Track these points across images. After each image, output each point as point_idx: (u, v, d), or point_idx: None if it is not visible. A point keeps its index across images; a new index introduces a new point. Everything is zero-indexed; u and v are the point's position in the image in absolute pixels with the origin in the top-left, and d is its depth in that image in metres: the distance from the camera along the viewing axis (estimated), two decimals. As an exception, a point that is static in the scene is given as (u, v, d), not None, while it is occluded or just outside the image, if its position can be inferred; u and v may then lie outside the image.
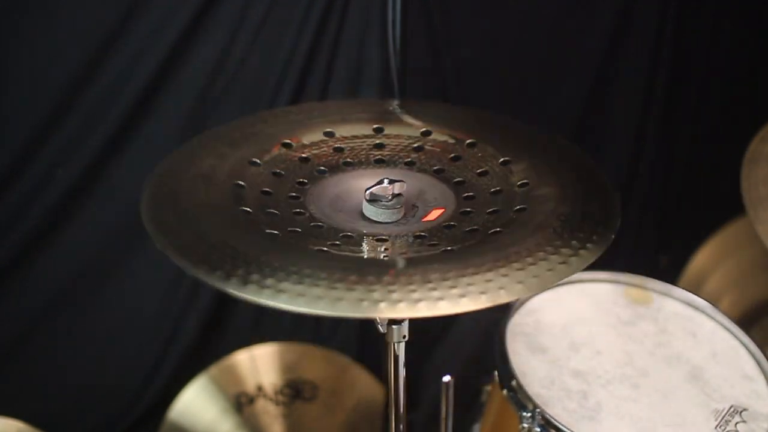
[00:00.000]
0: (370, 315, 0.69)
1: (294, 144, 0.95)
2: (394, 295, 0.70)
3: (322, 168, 0.94)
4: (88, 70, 1.48)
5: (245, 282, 0.70)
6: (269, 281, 0.70)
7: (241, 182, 0.86)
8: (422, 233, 0.85)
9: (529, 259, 0.76)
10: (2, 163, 1.50)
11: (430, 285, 0.72)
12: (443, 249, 0.81)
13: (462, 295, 0.71)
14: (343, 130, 0.99)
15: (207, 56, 1.54)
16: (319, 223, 0.84)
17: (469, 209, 0.90)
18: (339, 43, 1.61)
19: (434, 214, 0.89)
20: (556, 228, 0.81)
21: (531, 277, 0.74)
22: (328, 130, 0.99)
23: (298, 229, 0.82)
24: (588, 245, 0.80)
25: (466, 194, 0.92)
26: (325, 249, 0.79)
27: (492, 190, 0.92)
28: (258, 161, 0.91)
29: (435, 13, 1.65)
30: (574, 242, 0.79)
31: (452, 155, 0.98)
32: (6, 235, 1.54)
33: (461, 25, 1.70)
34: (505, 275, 0.74)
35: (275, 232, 0.80)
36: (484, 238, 0.83)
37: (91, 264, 1.64)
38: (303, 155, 0.94)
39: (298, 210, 0.86)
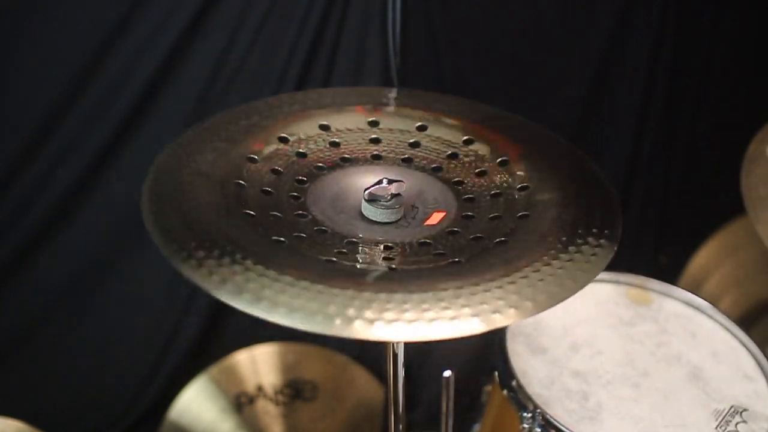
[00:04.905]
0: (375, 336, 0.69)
1: (290, 138, 0.94)
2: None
3: (320, 165, 0.93)
4: (89, 70, 1.48)
5: (259, 298, 0.69)
6: (281, 298, 0.69)
7: (241, 181, 0.86)
8: (427, 240, 0.84)
9: (538, 275, 0.75)
10: (2, 163, 1.50)
11: (443, 303, 0.70)
12: (450, 260, 0.80)
13: (475, 315, 0.70)
14: (337, 122, 0.98)
15: (207, 55, 1.54)
16: (323, 228, 0.84)
17: (470, 213, 0.89)
18: (339, 43, 1.61)
19: (436, 218, 0.88)
20: (562, 239, 0.80)
21: (542, 294, 0.73)
22: (323, 123, 0.98)
23: (303, 235, 0.81)
24: (593, 257, 0.79)
25: (466, 196, 0.92)
26: (334, 260, 0.77)
27: (492, 192, 0.92)
28: (256, 157, 0.90)
29: (435, 13, 1.65)
30: (579, 255, 0.78)
31: (449, 152, 0.97)
32: (6, 235, 1.54)
33: (461, 25, 1.70)
34: (515, 293, 0.72)
35: (282, 239, 0.79)
36: (490, 248, 0.81)
37: (91, 264, 1.64)
38: (300, 150, 0.94)
39: (300, 212, 0.86)
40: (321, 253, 0.78)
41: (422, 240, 0.84)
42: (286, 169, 0.91)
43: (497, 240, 0.82)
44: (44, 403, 1.65)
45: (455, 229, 0.86)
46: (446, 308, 0.70)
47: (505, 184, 0.92)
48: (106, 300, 1.67)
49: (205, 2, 1.49)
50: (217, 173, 0.85)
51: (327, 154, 0.95)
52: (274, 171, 0.90)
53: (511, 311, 0.71)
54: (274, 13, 1.54)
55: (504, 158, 0.95)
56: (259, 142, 0.93)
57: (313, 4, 1.54)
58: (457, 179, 0.94)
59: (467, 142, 0.98)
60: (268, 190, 0.87)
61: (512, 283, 0.73)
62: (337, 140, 0.97)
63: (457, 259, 0.80)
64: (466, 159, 0.96)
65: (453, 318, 0.69)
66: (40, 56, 1.46)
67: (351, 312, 0.69)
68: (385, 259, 0.80)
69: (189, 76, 1.55)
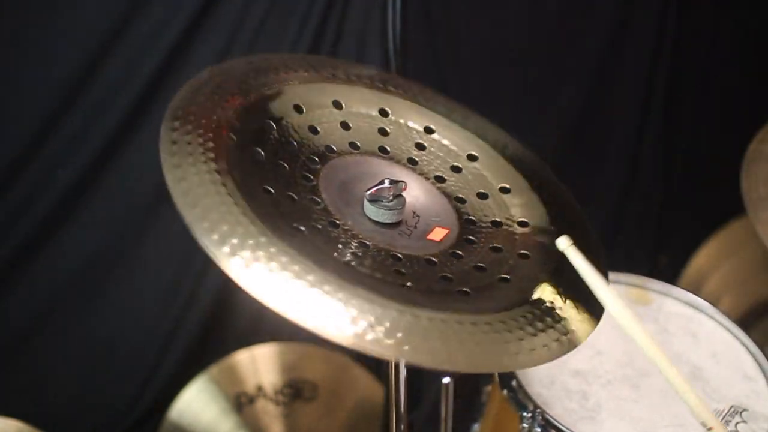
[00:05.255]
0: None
1: (304, 108, 0.93)
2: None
3: (331, 146, 0.93)
4: (89, 70, 1.48)
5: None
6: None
7: (260, 149, 0.85)
8: (432, 258, 0.85)
9: (531, 330, 0.78)
10: (2, 163, 1.50)
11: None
12: (458, 289, 0.81)
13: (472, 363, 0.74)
14: (350, 101, 0.97)
15: (207, 55, 1.54)
16: (335, 220, 0.84)
17: (471, 237, 0.89)
18: (339, 43, 1.61)
19: (439, 234, 0.88)
20: (560, 293, 0.83)
21: (533, 350, 0.77)
22: (336, 99, 0.97)
23: (318, 226, 0.81)
24: (586, 314, 0.83)
25: (467, 217, 0.92)
26: (354, 264, 0.78)
27: (492, 219, 0.92)
28: (273, 125, 0.89)
29: (435, 13, 1.65)
30: (573, 311, 0.82)
31: (452, 164, 0.98)
32: (6, 235, 1.54)
33: (461, 25, 1.70)
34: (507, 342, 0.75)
35: (302, 228, 0.79)
36: (494, 284, 0.83)
37: (91, 264, 1.64)
38: (312, 125, 0.93)
39: (313, 197, 0.85)
40: (338, 254, 0.79)
41: (428, 257, 0.84)
42: (299, 144, 0.90)
43: (499, 277, 0.84)
44: (44, 403, 1.65)
45: (458, 252, 0.87)
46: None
47: (505, 215, 0.93)
48: (106, 300, 1.67)
49: (205, 2, 1.49)
50: (241, 130, 0.85)
51: (337, 135, 0.94)
52: (289, 143, 0.89)
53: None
54: (274, 13, 1.54)
55: (506, 186, 0.96)
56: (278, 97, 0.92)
57: (313, 4, 1.55)
58: (459, 196, 0.94)
59: (471, 158, 0.98)
60: (283, 165, 0.86)
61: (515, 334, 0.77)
62: (348, 122, 0.96)
63: (464, 289, 0.81)
64: (469, 176, 0.97)
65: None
66: (40, 56, 1.46)
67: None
68: (396, 272, 0.80)
69: (189, 76, 1.55)
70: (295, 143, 0.90)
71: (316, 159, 0.90)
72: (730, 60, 2.02)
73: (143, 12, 1.46)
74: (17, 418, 1.42)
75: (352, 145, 0.94)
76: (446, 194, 0.94)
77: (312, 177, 0.87)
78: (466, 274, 0.84)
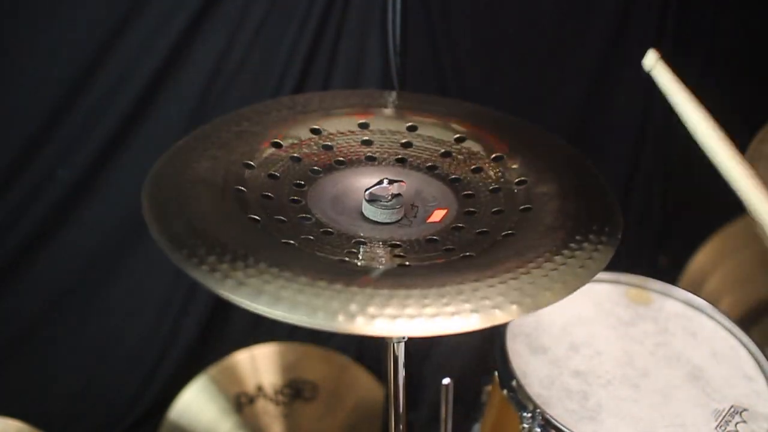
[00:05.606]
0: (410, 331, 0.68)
1: (283, 143, 0.95)
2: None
3: (316, 168, 0.94)
4: (89, 70, 1.48)
5: (277, 299, 0.69)
6: (302, 297, 0.69)
7: (241, 187, 0.86)
8: (434, 237, 0.85)
9: (550, 264, 0.76)
10: (2, 163, 1.50)
11: (461, 296, 0.71)
12: (462, 255, 0.80)
13: (495, 306, 0.70)
14: (328, 126, 0.98)
15: (207, 56, 1.54)
16: (329, 229, 0.84)
17: (472, 209, 0.90)
18: (339, 43, 1.61)
19: (438, 215, 0.88)
20: (568, 229, 0.81)
21: (556, 283, 0.74)
22: (315, 126, 0.98)
23: (311, 237, 0.82)
24: (600, 246, 0.80)
25: (465, 192, 0.92)
26: (347, 259, 0.78)
27: (491, 187, 0.92)
28: (252, 164, 0.91)
29: (435, 13, 1.65)
30: (587, 244, 0.79)
31: (442, 151, 0.98)
32: (6, 235, 1.54)
33: (461, 25, 1.70)
34: (531, 282, 0.73)
35: (292, 242, 0.79)
36: (498, 241, 0.82)
37: (91, 264, 1.64)
38: (294, 155, 0.94)
39: (303, 215, 0.86)
40: (332, 254, 0.79)
41: (428, 237, 0.84)
42: (283, 174, 0.91)
43: (504, 233, 0.83)
44: (44, 403, 1.65)
45: (459, 224, 0.87)
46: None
47: (502, 180, 0.93)
48: (105, 300, 1.67)
49: (205, 2, 1.49)
50: (216, 180, 0.85)
51: (321, 157, 0.95)
52: (272, 176, 0.90)
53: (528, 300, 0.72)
54: (274, 13, 1.54)
55: (498, 154, 0.96)
56: (256, 144, 0.93)
57: (313, 4, 1.55)
58: (454, 176, 0.95)
59: (459, 140, 0.99)
60: (268, 195, 0.87)
61: (527, 274, 0.74)
62: (329, 143, 0.97)
63: (468, 253, 0.80)
64: (460, 156, 0.97)
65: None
66: (41, 56, 1.46)
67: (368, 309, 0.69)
68: (396, 256, 0.80)
69: (189, 76, 1.55)
70: (278, 174, 0.91)
71: (302, 183, 0.91)
72: (730, 60, 2.02)
73: (143, 12, 1.46)
74: (17, 418, 1.42)
75: (338, 162, 0.95)
76: (441, 178, 0.95)
77: (300, 199, 0.88)
78: (470, 241, 0.83)
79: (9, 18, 1.43)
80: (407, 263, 0.78)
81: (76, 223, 1.58)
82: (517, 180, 0.92)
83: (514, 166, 0.94)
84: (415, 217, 0.89)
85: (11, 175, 1.51)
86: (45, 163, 1.52)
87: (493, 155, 0.96)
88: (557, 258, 0.77)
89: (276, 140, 0.94)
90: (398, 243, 0.83)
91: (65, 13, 1.44)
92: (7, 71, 1.47)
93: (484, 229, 0.85)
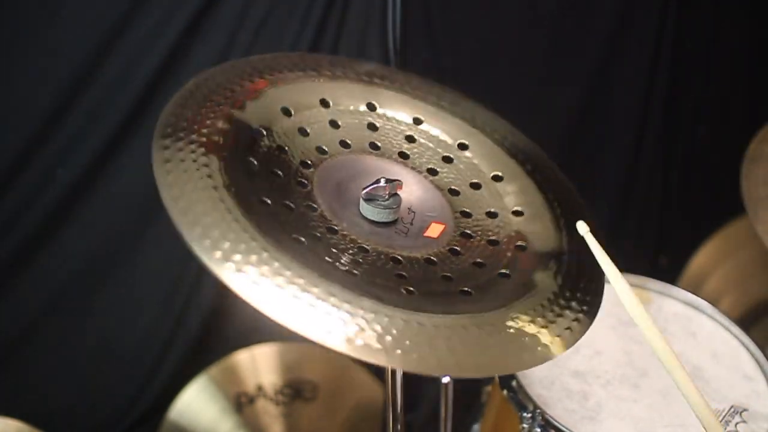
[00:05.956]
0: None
1: (293, 111, 0.93)
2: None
3: (323, 147, 0.92)
4: (89, 70, 1.48)
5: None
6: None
7: (252, 159, 0.85)
8: (432, 257, 0.85)
9: (539, 324, 0.79)
10: (2, 163, 1.50)
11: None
12: (460, 289, 0.81)
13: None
14: (336, 96, 0.97)
15: (207, 55, 1.54)
16: (333, 226, 0.83)
17: (468, 232, 0.89)
18: (339, 43, 1.61)
19: (436, 230, 0.88)
20: (558, 289, 0.83)
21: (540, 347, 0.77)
22: (323, 98, 0.97)
23: (317, 234, 0.81)
24: (585, 307, 0.84)
25: (462, 209, 0.92)
26: (356, 273, 0.78)
27: (486, 210, 0.92)
28: (263, 132, 0.89)
29: (435, 13, 1.65)
30: (575, 303, 0.83)
31: (444, 155, 0.98)
32: (6, 235, 1.54)
33: (461, 25, 1.70)
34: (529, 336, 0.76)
35: (302, 239, 0.78)
36: (493, 279, 0.83)
37: (91, 264, 1.64)
38: (301, 126, 0.93)
39: (309, 203, 0.85)
40: (340, 262, 0.79)
41: (427, 257, 0.85)
42: (291, 149, 0.90)
43: (499, 272, 0.84)
44: (44, 403, 1.65)
45: (456, 248, 0.87)
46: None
47: (500, 205, 0.93)
48: (106, 300, 1.67)
49: (205, 2, 1.49)
50: (233, 141, 0.84)
51: (328, 135, 0.94)
52: (280, 149, 0.89)
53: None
54: (274, 13, 1.54)
55: (498, 173, 0.96)
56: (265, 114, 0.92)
57: (313, 5, 1.54)
58: (452, 188, 0.94)
59: (461, 147, 0.99)
60: (277, 173, 0.86)
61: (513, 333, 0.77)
62: (337, 120, 0.96)
63: (466, 289, 0.81)
64: (461, 166, 0.97)
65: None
66: (40, 56, 1.46)
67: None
68: (398, 276, 0.80)
69: (189, 76, 1.55)
70: (286, 148, 0.90)
71: (309, 162, 0.90)
72: (730, 60, 2.01)
73: (143, 12, 1.46)
74: (17, 418, 1.42)
75: (343, 143, 0.94)
76: (439, 187, 0.94)
77: (306, 182, 0.87)
78: (466, 272, 0.84)
79: (9, 17, 1.43)
80: (411, 288, 0.79)
81: (76, 224, 1.58)
82: (513, 210, 0.93)
83: (512, 192, 0.94)
84: (411, 224, 0.88)
85: (11, 175, 1.51)
86: (45, 163, 1.52)
87: (493, 174, 0.96)
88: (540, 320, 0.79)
89: (285, 107, 0.93)
90: (399, 259, 0.83)
91: (65, 12, 1.44)
92: (7, 71, 1.47)
93: (480, 261, 0.86)
